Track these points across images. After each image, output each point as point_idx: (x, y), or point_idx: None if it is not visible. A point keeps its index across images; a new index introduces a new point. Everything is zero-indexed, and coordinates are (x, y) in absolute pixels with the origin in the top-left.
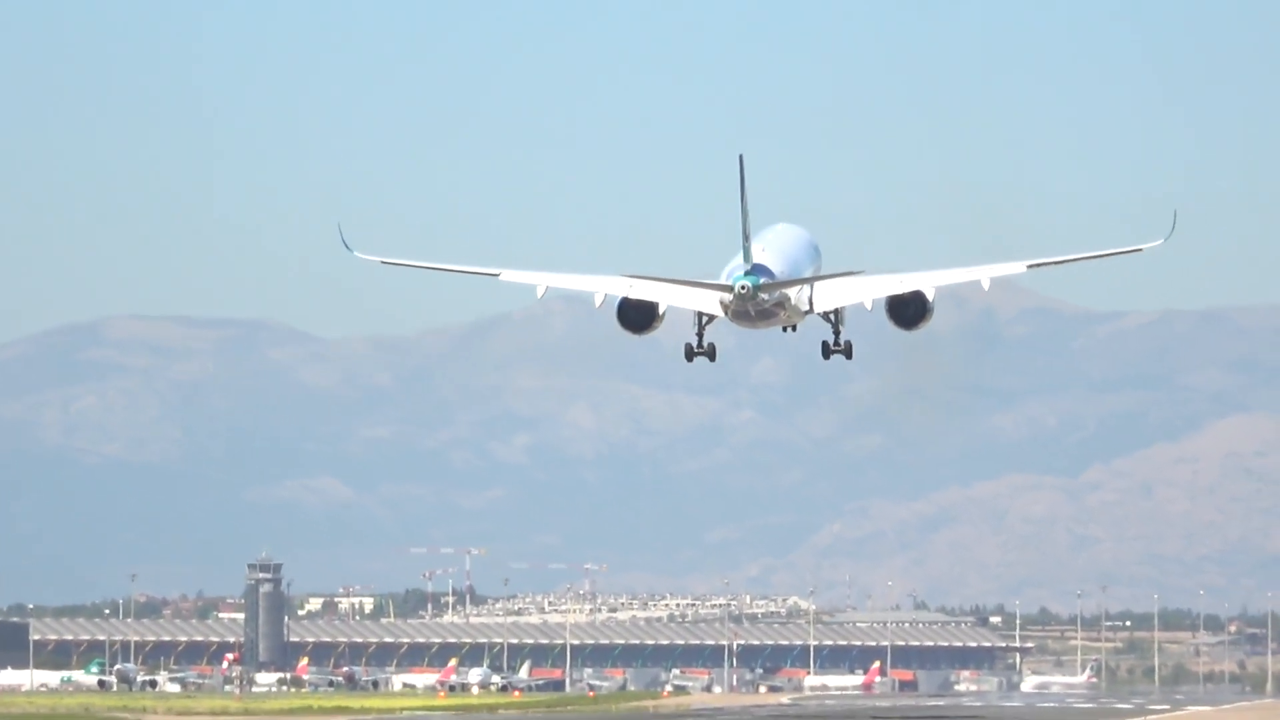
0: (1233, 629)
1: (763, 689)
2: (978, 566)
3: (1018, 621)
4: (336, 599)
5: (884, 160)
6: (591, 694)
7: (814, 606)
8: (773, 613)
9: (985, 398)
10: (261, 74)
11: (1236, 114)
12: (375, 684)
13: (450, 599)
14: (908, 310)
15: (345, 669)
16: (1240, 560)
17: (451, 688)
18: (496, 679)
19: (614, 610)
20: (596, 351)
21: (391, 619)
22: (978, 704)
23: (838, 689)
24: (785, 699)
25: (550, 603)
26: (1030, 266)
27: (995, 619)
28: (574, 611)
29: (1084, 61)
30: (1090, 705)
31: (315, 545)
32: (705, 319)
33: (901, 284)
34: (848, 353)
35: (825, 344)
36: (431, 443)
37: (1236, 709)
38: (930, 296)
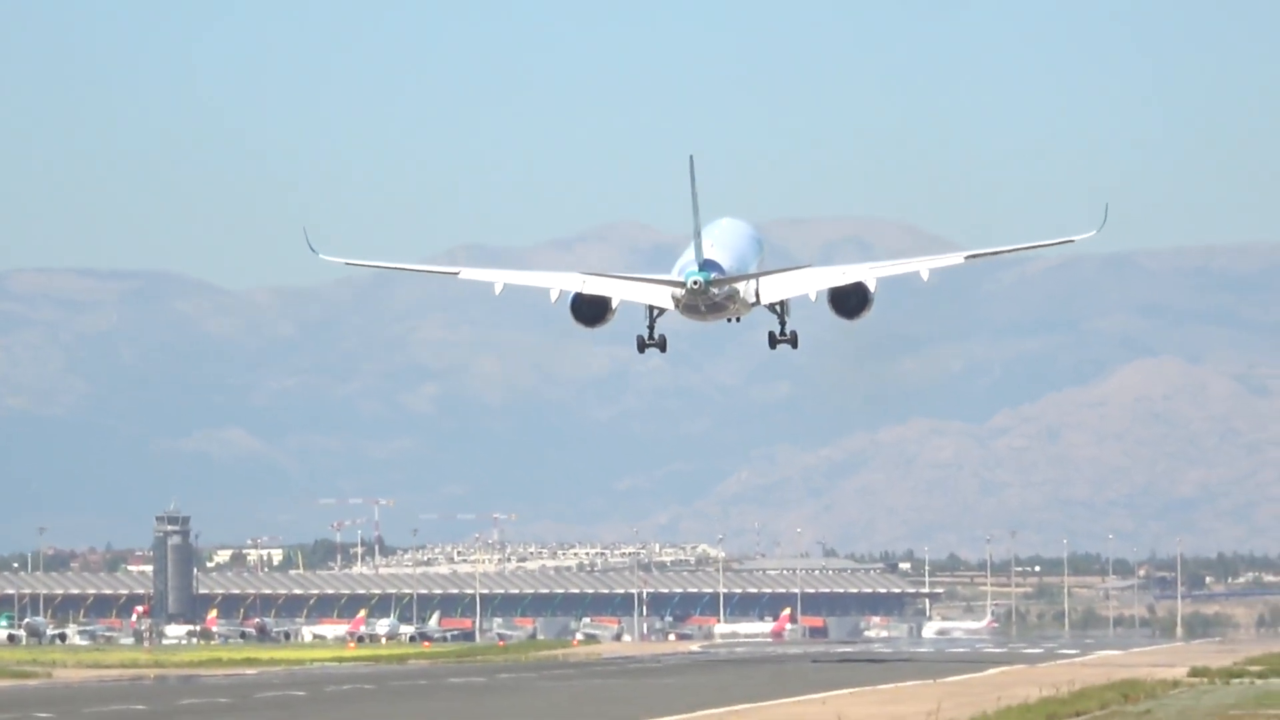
0: (1142, 573)
1: (672, 637)
2: (886, 513)
3: (927, 567)
4: (245, 550)
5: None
6: (501, 644)
7: (723, 554)
8: (682, 561)
9: (891, 343)
10: (163, 22)
11: (1140, 57)
12: (287, 635)
13: (359, 550)
14: (850, 301)
15: (257, 621)
16: (1148, 504)
17: (359, 638)
18: (405, 630)
19: (523, 560)
20: (503, 301)
21: (300, 570)
22: (887, 650)
23: (747, 636)
24: (695, 647)
25: (459, 553)
26: (968, 258)
27: (904, 565)
28: (483, 561)
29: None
30: (1000, 650)
31: (223, 497)
32: (656, 312)
33: (844, 276)
34: (793, 342)
35: (771, 334)
36: (339, 393)
37: (1146, 652)
38: (871, 287)
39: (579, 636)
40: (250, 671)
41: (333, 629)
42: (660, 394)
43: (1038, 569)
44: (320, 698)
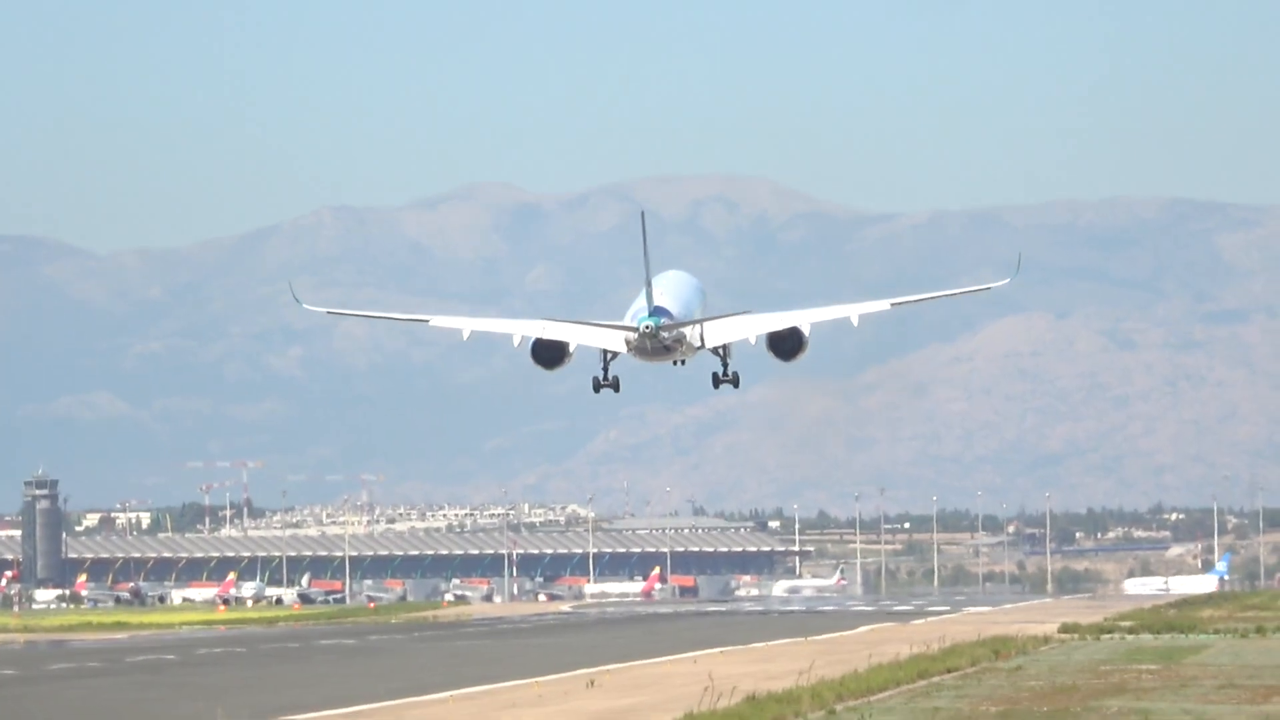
0: (1011, 529)
1: (543, 597)
2: (755, 471)
3: (796, 525)
4: (114, 514)
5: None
6: (371, 605)
7: (592, 514)
8: (551, 521)
9: (759, 302)
10: None
11: (1004, 13)
12: (161, 599)
13: (228, 512)
14: (786, 344)
15: (131, 584)
16: (1017, 460)
17: (225, 601)
18: (272, 591)
19: (392, 521)
20: (369, 262)
21: (169, 533)
22: (758, 608)
23: (618, 596)
24: (566, 607)
25: (328, 515)
26: (893, 304)
27: (774, 523)
28: (352, 523)
29: None
30: (869, 608)
31: (91, 461)
32: (610, 355)
33: (780, 321)
34: (735, 382)
35: (715, 375)
36: (206, 356)
37: (1016, 609)
38: (805, 332)
39: (449, 598)
40: (121, 636)
41: (202, 592)
42: (527, 354)
43: (907, 526)
44: (191, 661)
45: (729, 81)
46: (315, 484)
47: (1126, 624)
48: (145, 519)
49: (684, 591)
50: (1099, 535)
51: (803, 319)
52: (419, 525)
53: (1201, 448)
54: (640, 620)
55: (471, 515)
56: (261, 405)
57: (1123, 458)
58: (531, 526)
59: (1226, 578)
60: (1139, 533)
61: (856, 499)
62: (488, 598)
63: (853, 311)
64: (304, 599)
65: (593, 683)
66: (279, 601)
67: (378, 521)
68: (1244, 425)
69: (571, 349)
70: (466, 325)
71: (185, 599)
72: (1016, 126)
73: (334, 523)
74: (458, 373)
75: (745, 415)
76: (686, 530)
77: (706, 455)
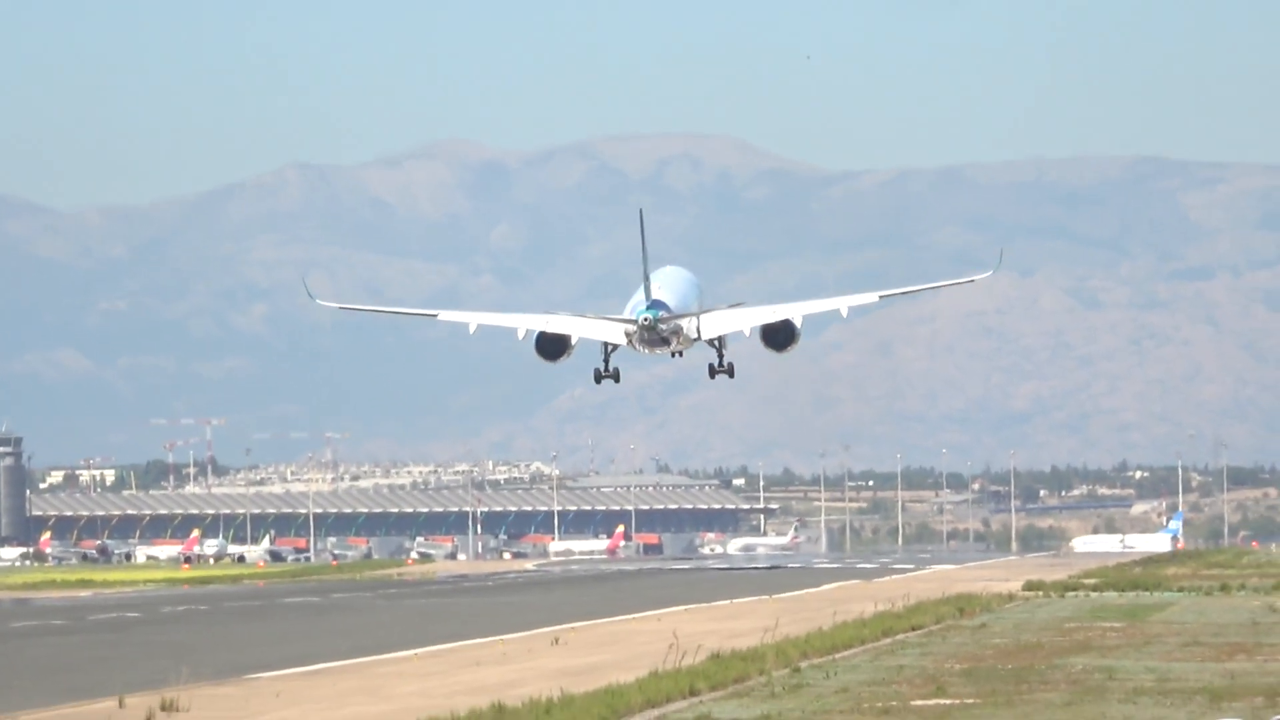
0: (976, 487)
1: (507, 555)
2: (720, 429)
3: (761, 483)
4: (78, 471)
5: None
6: (335, 563)
7: (557, 471)
8: (516, 479)
9: (723, 260)
10: None
11: None
12: (128, 556)
13: (192, 470)
14: (779, 336)
15: (98, 542)
16: (981, 418)
17: (187, 559)
18: (234, 550)
19: (356, 479)
20: (333, 220)
21: (133, 491)
22: (722, 565)
23: (582, 554)
24: (530, 565)
25: (292, 472)
26: (881, 296)
27: (738, 481)
28: (316, 481)
29: None
30: (834, 565)
31: (55, 418)
32: (610, 347)
33: (773, 314)
34: (730, 372)
35: (711, 365)
36: (169, 313)
37: (981, 566)
38: (797, 324)
39: (413, 555)
40: (85, 594)
41: (166, 550)
42: (492, 310)
43: (871, 484)
44: (155, 619)
45: (693, 39)
46: (280, 441)
47: (1091, 582)
48: (110, 476)
49: (648, 549)
50: (1063, 493)
51: (794, 311)
52: (383, 483)
53: (1166, 406)
54: (605, 578)
55: (436, 473)
56: (225, 362)
57: (1087, 416)
58: (496, 484)
59: (1179, 536)
60: (1103, 491)
61: (821, 457)
62: (452, 555)
63: (842, 304)
64: (274, 556)
65: (557, 640)
66: (241, 559)
67: (342, 479)
68: (1208, 384)
69: (573, 341)
70: (474, 319)
71: (149, 557)
72: (981, 84)
73: (298, 480)
74: (422, 330)
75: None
76: (651, 488)
77: (671, 413)
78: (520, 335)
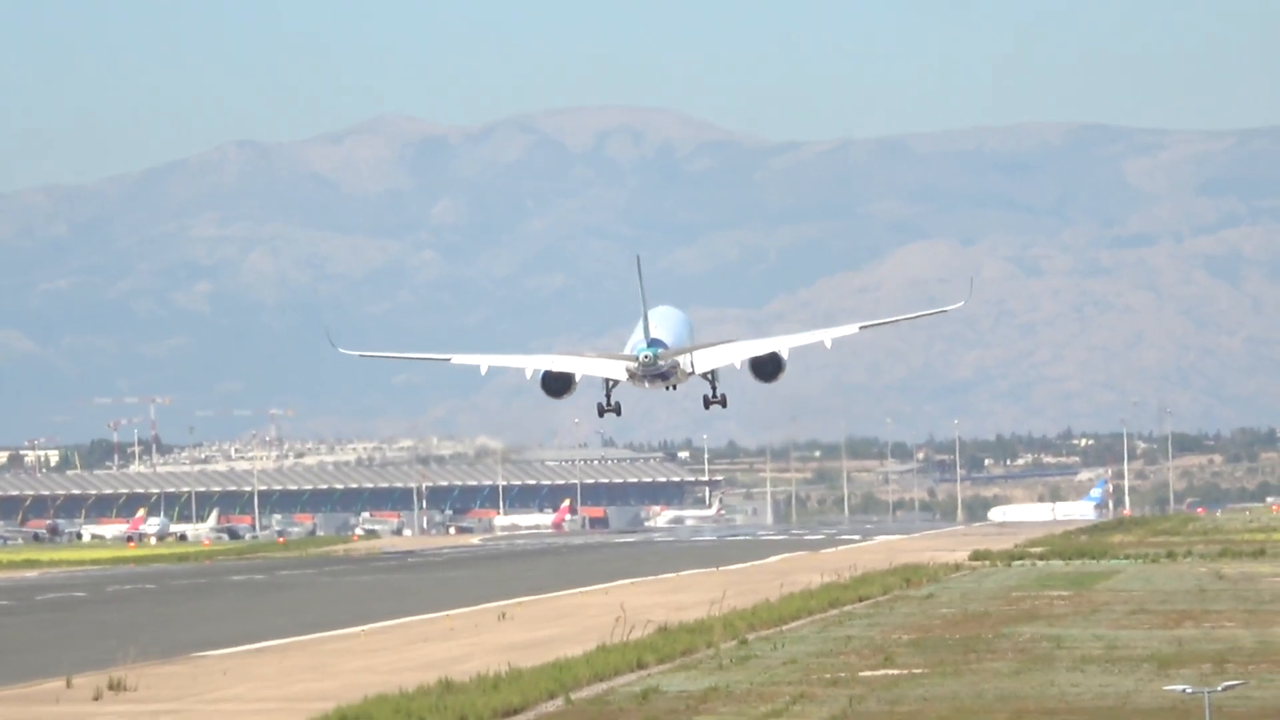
0: (920, 456)
1: (453, 530)
2: (665, 402)
3: (706, 455)
4: (22, 452)
5: None
6: (281, 540)
7: (501, 446)
8: (460, 454)
9: (666, 232)
10: None
11: None
12: (78, 535)
13: (136, 449)
14: (767, 367)
15: (49, 521)
16: (925, 387)
17: (130, 538)
18: (176, 529)
19: (301, 455)
20: (275, 197)
21: (78, 470)
22: (669, 538)
23: (528, 528)
24: (476, 540)
25: (237, 450)
26: (861, 328)
27: (683, 453)
28: (261, 458)
29: None
30: (780, 537)
31: None
32: (611, 383)
33: (762, 347)
34: (723, 403)
35: (705, 397)
36: (112, 293)
37: (927, 536)
38: (784, 356)
39: (359, 531)
40: (31, 574)
41: (112, 529)
42: (434, 287)
43: (817, 454)
44: (101, 598)
45: (633, 11)
46: (224, 419)
47: (1037, 550)
48: (54, 456)
49: (594, 523)
50: (1008, 462)
51: (781, 344)
52: (328, 459)
53: (1110, 373)
54: (551, 552)
55: (380, 449)
56: (169, 341)
57: (1031, 385)
58: (440, 459)
59: (1103, 504)
60: (1048, 459)
61: (766, 429)
62: (398, 531)
63: (825, 336)
64: (231, 534)
65: (504, 615)
66: (183, 538)
67: (286, 456)
68: (1151, 350)
69: (577, 379)
70: (484, 361)
71: (94, 536)
72: (922, 54)
73: (243, 458)
74: (366, 306)
75: None
76: (596, 462)
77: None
78: (528, 375)
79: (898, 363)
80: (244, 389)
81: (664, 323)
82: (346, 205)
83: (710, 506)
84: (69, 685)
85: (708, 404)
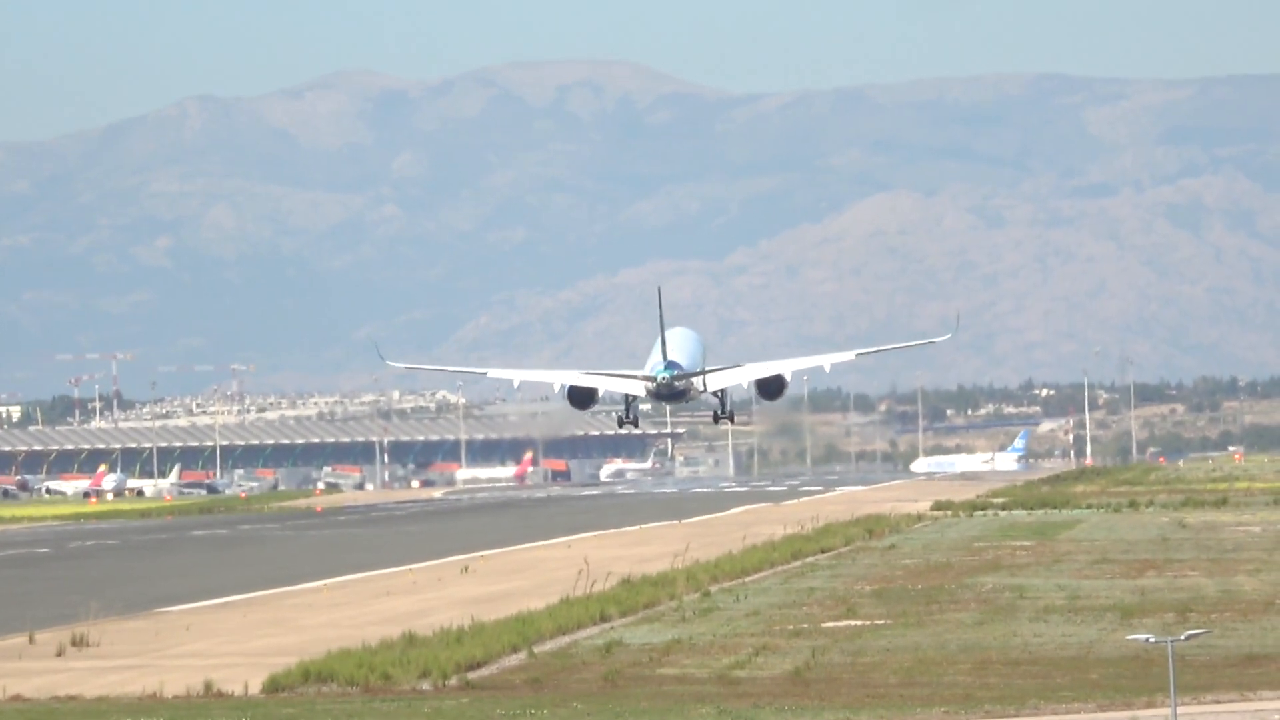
0: (883, 408)
1: (415, 484)
2: (626, 355)
3: (667, 408)
4: None
5: None
6: (243, 495)
7: (463, 400)
8: (422, 408)
9: (627, 185)
10: None
11: None
12: (48, 490)
13: (98, 405)
14: (771, 387)
15: (18, 477)
16: (888, 338)
17: (86, 494)
18: (134, 484)
19: (262, 410)
20: (235, 152)
21: (40, 426)
22: (631, 491)
23: (490, 481)
24: (438, 493)
25: (198, 405)
26: (858, 355)
27: (645, 406)
28: (222, 413)
29: None
30: (742, 489)
31: None
32: (631, 398)
33: (768, 370)
34: (731, 419)
35: (715, 413)
36: (73, 249)
37: (889, 487)
38: (788, 378)
39: (321, 486)
40: None
41: (74, 485)
42: (396, 241)
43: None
44: (64, 554)
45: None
46: (185, 375)
47: (999, 501)
48: (15, 413)
49: (557, 476)
50: (970, 412)
51: (786, 368)
52: (289, 414)
53: (1071, 323)
54: (513, 505)
55: (342, 403)
56: (130, 296)
57: (993, 335)
58: (403, 413)
59: (1024, 455)
60: (1010, 409)
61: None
62: (360, 485)
63: (825, 361)
64: (210, 490)
65: (467, 568)
66: (140, 494)
67: (248, 411)
68: (1113, 300)
69: (600, 393)
70: (518, 375)
71: (54, 492)
72: (881, 4)
73: (204, 412)
74: (327, 260)
75: (616, 299)
76: (558, 414)
77: (578, 339)
78: (556, 389)
79: (860, 314)
80: (205, 344)
81: (680, 345)
82: (307, 160)
83: (646, 460)
84: (32, 641)
85: (716, 419)
